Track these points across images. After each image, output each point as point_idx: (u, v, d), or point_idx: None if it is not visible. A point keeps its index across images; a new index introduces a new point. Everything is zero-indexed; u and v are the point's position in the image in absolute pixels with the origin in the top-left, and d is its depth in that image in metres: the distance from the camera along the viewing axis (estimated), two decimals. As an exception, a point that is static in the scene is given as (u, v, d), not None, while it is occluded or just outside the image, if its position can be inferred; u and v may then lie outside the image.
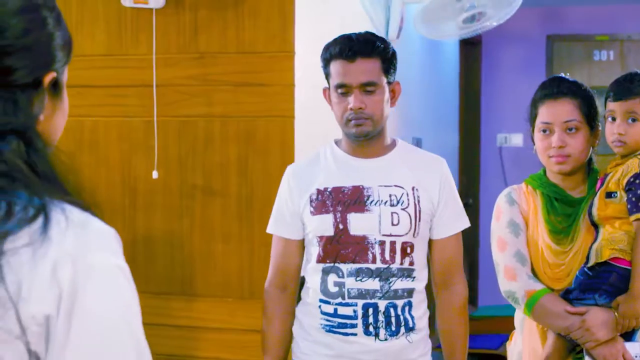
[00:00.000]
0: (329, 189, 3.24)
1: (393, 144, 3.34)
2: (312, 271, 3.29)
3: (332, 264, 3.22)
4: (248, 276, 4.18)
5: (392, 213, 3.20)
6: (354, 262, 3.19)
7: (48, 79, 1.47)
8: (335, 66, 3.19)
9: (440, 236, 3.31)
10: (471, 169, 9.04)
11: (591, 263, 3.09)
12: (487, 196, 8.47)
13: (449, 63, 8.29)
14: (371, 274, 3.19)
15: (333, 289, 3.22)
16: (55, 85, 1.48)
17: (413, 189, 3.23)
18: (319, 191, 3.26)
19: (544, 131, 3.24)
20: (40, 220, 1.33)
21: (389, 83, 3.23)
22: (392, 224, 3.19)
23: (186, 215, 4.27)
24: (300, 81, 4.12)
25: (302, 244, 3.35)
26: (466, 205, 9.02)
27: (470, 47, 8.96)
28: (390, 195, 3.21)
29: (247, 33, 4.15)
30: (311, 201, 3.26)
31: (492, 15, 5.28)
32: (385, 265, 3.19)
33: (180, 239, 4.27)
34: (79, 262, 1.33)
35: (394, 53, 3.25)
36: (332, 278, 3.23)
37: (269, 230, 3.39)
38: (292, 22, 4.09)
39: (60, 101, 1.51)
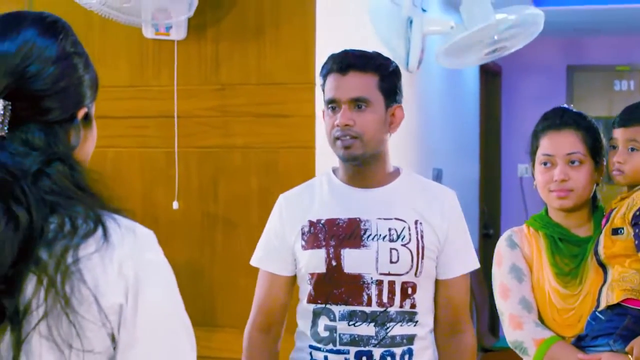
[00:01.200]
0: (322, 221, 2.92)
1: (396, 172, 3.02)
2: (302, 312, 2.98)
3: (323, 305, 2.89)
4: (269, 307, 4.17)
5: (391, 249, 2.86)
6: (346, 303, 2.85)
7: (81, 114, 1.74)
8: (329, 81, 2.92)
9: (446, 276, 2.97)
10: (492, 200, 9.02)
11: (602, 306, 2.89)
12: (508, 226, 8.39)
13: (470, 93, 8.29)
14: (365, 317, 2.85)
15: (324, 333, 2.89)
16: (86, 117, 1.75)
17: (416, 222, 2.90)
18: (311, 223, 2.94)
19: (545, 164, 3.05)
20: (100, 230, 1.62)
21: (388, 105, 2.92)
22: (391, 262, 2.86)
23: (207, 245, 4.27)
24: (321, 112, 4.12)
25: (290, 281, 3.03)
26: (487, 236, 8.98)
27: (491, 78, 8.96)
28: (389, 230, 2.88)
29: (268, 64, 4.17)
30: (303, 234, 2.94)
31: (514, 45, 5.29)
32: (382, 309, 2.85)
33: (201, 269, 4.27)
34: (138, 260, 1.66)
35: (395, 73, 2.96)
36: (323, 321, 2.90)
37: (253, 262, 3.10)
38: (313, 54, 4.11)
39: (90, 130, 1.78)
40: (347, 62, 2.90)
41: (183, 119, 4.27)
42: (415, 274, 2.88)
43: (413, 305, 2.89)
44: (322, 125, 4.11)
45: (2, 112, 1.62)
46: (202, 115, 4.27)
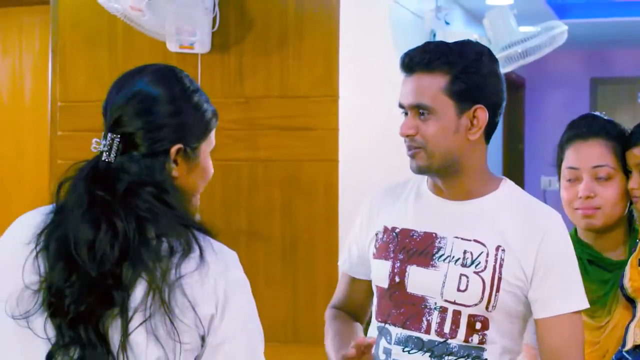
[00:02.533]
0: (397, 230, 2.57)
1: (495, 184, 2.56)
2: (372, 327, 2.65)
3: (383, 324, 2.56)
4: (292, 320, 4.17)
5: (461, 275, 2.46)
6: (404, 327, 2.50)
7: (174, 150, 2.06)
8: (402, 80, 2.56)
9: (540, 315, 2.46)
10: (515, 212, 8.98)
11: (629, 346, 2.54)
12: (532, 239, 8.40)
13: (493, 106, 8.26)
14: (421, 346, 2.49)
15: (382, 355, 2.55)
16: (186, 153, 2.09)
17: (498, 249, 2.45)
18: (385, 230, 2.59)
19: (569, 179, 2.72)
20: (197, 250, 1.99)
21: (463, 109, 2.46)
22: (458, 289, 2.45)
23: (230, 258, 4.27)
24: (345, 125, 4.13)
25: (370, 286, 2.68)
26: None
27: (514, 90, 8.95)
28: (465, 252, 2.47)
29: (291, 77, 4.18)
30: (376, 240, 2.61)
31: (535, 56, 5.28)
32: (441, 339, 2.46)
33: (225, 282, 4.27)
34: (227, 278, 2.02)
35: (477, 68, 2.47)
36: (382, 342, 2.56)
37: (339, 262, 2.84)
38: (337, 67, 4.11)
39: (196, 165, 2.14)
40: (413, 59, 2.48)
41: (207, 132, 4.27)
42: (487, 307, 2.45)
43: (482, 342, 2.46)
44: (346, 138, 4.13)
45: (110, 143, 2.03)
46: (226, 128, 4.27)
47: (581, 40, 8.09)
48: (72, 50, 4.53)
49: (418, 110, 2.45)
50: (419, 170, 2.50)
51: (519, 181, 9.08)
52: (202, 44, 4.17)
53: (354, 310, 2.78)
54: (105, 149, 2.03)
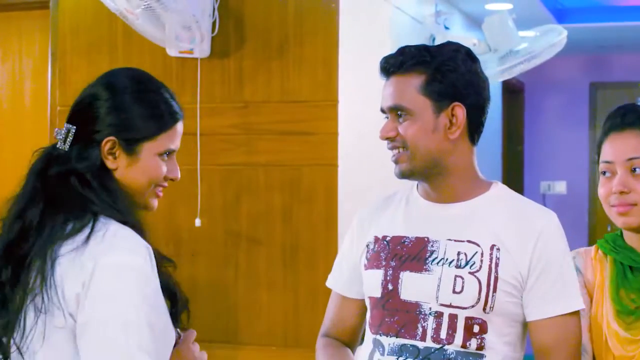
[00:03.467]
0: (387, 238, 2.50)
1: (485, 186, 2.52)
2: (366, 342, 2.54)
3: (376, 336, 2.46)
4: (293, 324, 4.17)
5: (455, 277, 2.38)
6: (397, 335, 2.41)
7: (104, 142, 2.18)
8: None
9: (534, 317, 2.39)
10: (515, 217, 8.97)
11: None
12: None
13: (492, 110, 8.26)
14: (417, 354, 2.38)
15: None
16: (130, 147, 2.20)
17: (492, 248, 2.38)
18: (376, 239, 2.53)
19: (604, 173, 2.49)
20: (86, 232, 2.08)
21: (441, 108, 2.42)
22: (454, 291, 2.37)
23: (230, 263, 4.27)
24: (344, 130, 4.13)
25: (362, 305, 2.60)
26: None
27: (514, 95, 8.95)
28: (458, 254, 2.40)
29: (291, 82, 4.18)
30: (367, 251, 2.55)
31: (534, 63, 5.29)
32: (438, 345, 2.36)
33: (225, 287, 4.27)
34: (102, 260, 2.04)
35: (452, 67, 2.44)
36: (375, 356, 2.46)
37: (327, 282, 2.74)
38: (336, 72, 4.11)
39: (135, 161, 2.21)
40: (389, 62, 2.49)
41: (206, 137, 4.28)
42: (484, 309, 2.36)
43: (480, 347, 2.37)
44: (345, 143, 4.14)
45: (65, 133, 2.21)
46: (225, 133, 4.28)
47: (580, 44, 8.09)
48: (71, 54, 4.53)
49: (397, 112, 2.44)
50: (402, 175, 2.46)
51: (519, 185, 9.08)
52: (201, 48, 4.17)
53: (346, 335, 2.68)
54: (61, 137, 2.21)
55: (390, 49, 4.85)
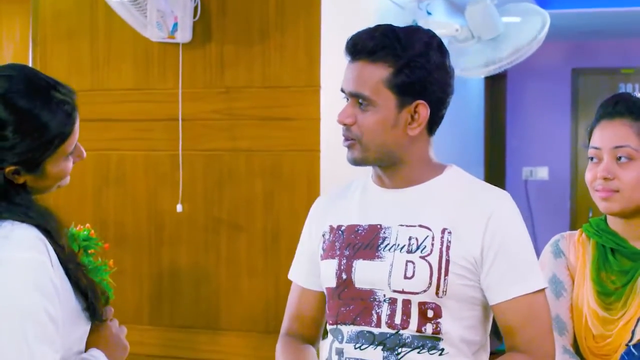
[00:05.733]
0: (342, 227, 2.47)
1: (439, 171, 2.47)
2: (328, 334, 2.52)
3: (335, 326, 2.44)
4: (274, 310, 4.17)
5: (407, 262, 2.34)
6: (354, 323, 2.39)
7: (6, 170, 2.14)
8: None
9: (496, 300, 2.35)
10: (496, 203, 9.00)
11: (636, 339, 2.44)
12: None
13: (474, 97, 8.28)
14: (373, 339, 2.36)
15: (334, 357, 2.43)
16: (32, 169, 2.17)
17: (443, 231, 2.35)
18: (331, 229, 2.50)
19: (592, 158, 2.57)
20: None
21: (403, 104, 2.35)
22: (405, 277, 2.33)
23: (211, 249, 4.27)
24: (326, 115, 4.12)
25: (322, 297, 2.57)
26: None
27: (496, 82, 8.96)
28: (410, 239, 2.36)
29: (273, 68, 4.17)
30: (323, 242, 2.52)
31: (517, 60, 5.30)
32: (393, 331, 2.34)
33: (206, 273, 4.27)
34: None
35: (422, 64, 2.35)
36: (334, 344, 2.44)
37: (289, 275, 2.74)
38: (318, 57, 4.11)
39: (42, 175, 2.19)
40: (357, 45, 2.39)
41: (188, 122, 4.27)
42: (437, 293, 2.32)
43: (436, 332, 2.33)
44: (327, 129, 4.13)
45: None
46: (207, 118, 4.27)
47: (562, 30, 8.10)
48: (52, 40, 4.51)
49: (357, 99, 2.35)
50: (355, 162, 2.41)
51: (501, 171, 9.10)
52: (183, 33, 4.16)
53: (306, 329, 2.63)
54: None
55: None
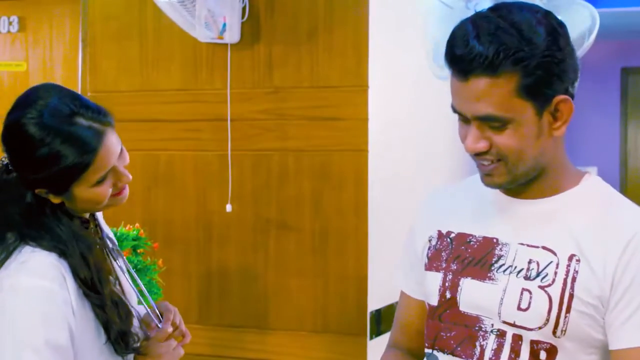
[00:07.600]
0: (452, 235, 2.16)
1: (575, 180, 2.12)
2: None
3: (431, 351, 2.14)
4: (322, 310, 4.17)
5: (522, 290, 1.99)
6: (453, 353, 2.08)
7: (37, 192, 2.20)
8: (450, 80, 2.03)
9: (616, 345, 1.94)
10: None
11: None
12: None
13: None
14: None
15: None
16: (60, 193, 2.20)
17: (571, 258, 1.97)
18: (439, 235, 2.19)
19: None
20: (3, 256, 2.12)
21: (543, 106, 1.98)
22: (519, 308, 1.98)
23: (260, 249, 4.28)
24: (374, 115, 4.12)
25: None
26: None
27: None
28: (529, 262, 2.00)
29: (321, 68, 4.17)
30: (429, 248, 2.21)
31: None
32: None
33: (255, 272, 4.28)
34: (3, 282, 2.09)
35: (550, 56, 1.93)
36: None
37: (395, 281, 2.43)
38: (366, 57, 4.10)
39: (72, 198, 2.22)
40: (465, 59, 1.93)
41: (236, 122, 4.28)
42: (554, 332, 1.96)
43: None
44: (375, 129, 4.13)
45: (4, 166, 2.25)
46: (255, 119, 4.28)
47: (612, 30, 8.04)
48: (102, 41, 4.54)
49: (487, 122, 1.97)
50: (498, 187, 2.08)
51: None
52: (231, 34, 4.17)
53: (414, 344, 2.32)
54: (2, 168, 2.27)
55: (421, 35, 4.84)
